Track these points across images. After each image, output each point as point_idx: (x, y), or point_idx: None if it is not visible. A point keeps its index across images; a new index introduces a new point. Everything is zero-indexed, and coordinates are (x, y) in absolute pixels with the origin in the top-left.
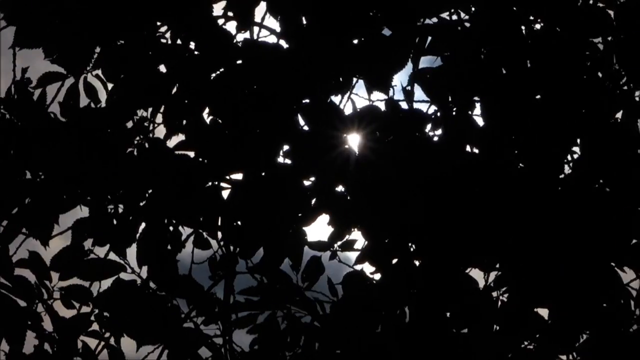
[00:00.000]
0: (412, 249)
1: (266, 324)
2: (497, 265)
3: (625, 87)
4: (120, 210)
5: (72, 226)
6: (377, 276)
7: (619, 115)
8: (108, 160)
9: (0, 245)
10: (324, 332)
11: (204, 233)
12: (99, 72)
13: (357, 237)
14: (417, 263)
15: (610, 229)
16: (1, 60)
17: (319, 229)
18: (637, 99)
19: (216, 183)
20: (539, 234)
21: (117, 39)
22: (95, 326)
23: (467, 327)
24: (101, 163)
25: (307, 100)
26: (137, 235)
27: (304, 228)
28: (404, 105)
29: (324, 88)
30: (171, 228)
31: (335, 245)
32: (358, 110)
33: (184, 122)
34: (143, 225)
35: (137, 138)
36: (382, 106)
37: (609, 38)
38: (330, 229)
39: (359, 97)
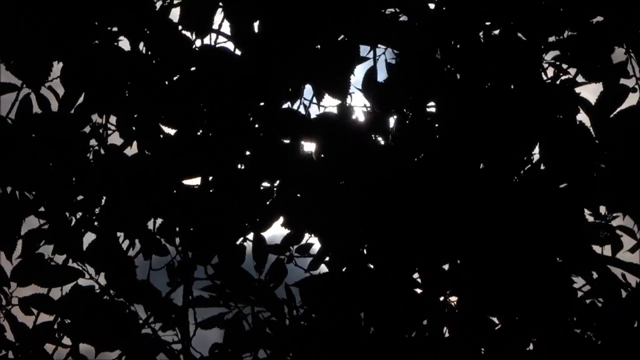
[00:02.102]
0: (364, 253)
1: (232, 320)
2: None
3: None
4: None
5: (23, 235)
6: None
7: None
8: (64, 166)
9: None
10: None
11: (162, 239)
12: (51, 83)
13: (314, 242)
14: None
15: (565, 233)
16: None
17: (274, 233)
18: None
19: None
20: (494, 236)
21: (75, 45)
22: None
23: (414, 330)
24: (57, 169)
25: (262, 106)
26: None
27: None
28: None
29: (276, 94)
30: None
31: (292, 249)
32: (312, 115)
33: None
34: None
35: (94, 144)
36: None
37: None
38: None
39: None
